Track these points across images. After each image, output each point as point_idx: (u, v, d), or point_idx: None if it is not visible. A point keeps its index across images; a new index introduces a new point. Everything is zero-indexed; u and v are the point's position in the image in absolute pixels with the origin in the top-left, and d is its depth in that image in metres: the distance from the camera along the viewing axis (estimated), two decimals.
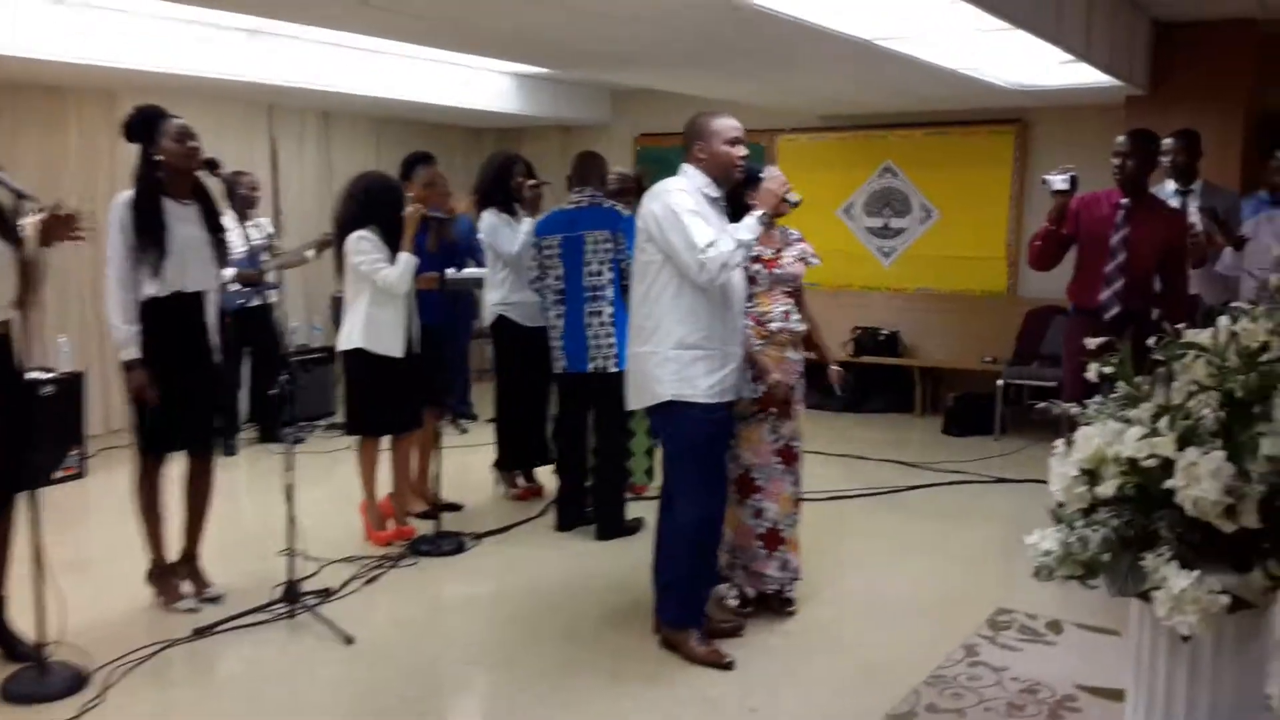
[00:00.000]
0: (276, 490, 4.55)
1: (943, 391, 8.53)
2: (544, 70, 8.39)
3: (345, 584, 4.59)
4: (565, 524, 5.38)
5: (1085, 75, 6.45)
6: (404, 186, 5.41)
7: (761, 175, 3.87)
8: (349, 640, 3.99)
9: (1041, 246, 4.74)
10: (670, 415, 3.74)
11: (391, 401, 5.00)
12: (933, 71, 6.20)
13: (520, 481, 6.08)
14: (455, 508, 5.64)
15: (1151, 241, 4.63)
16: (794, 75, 6.95)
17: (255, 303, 7.14)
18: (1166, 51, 6.91)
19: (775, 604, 4.30)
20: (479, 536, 5.24)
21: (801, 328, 4.26)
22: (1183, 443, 2.03)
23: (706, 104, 8.96)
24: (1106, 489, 2.07)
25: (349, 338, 4.95)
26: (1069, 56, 5.58)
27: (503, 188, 5.74)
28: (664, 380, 3.70)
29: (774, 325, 4.15)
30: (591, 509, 5.35)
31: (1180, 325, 3.29)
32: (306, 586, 4.40)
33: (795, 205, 3.98)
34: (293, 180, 8.45)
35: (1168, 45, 6.91)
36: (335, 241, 5.01)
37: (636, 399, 3.84)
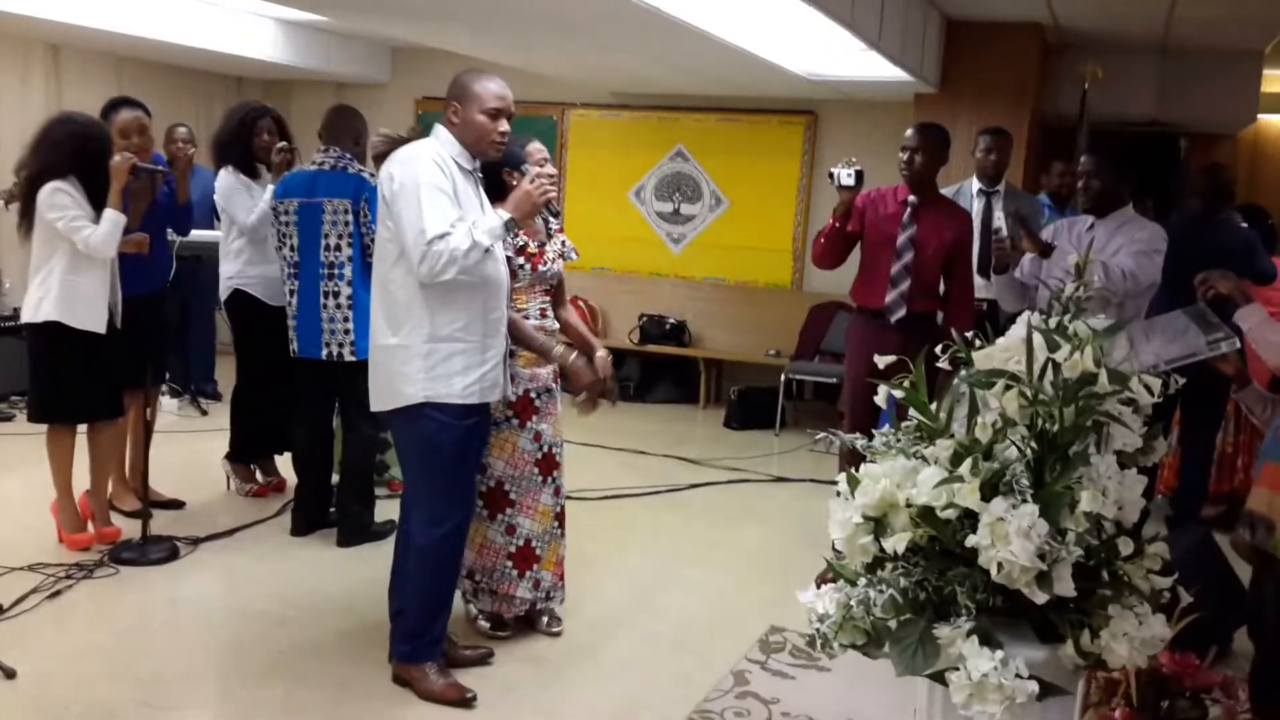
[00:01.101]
0: None
1: (726, 384, 8.31)
2: (315, 18, 7.64)
3: (20, 600, 3.85)
4: (302, 528, 4.76)
5: (877, 68, 6.29)
6: None
7: (524, 167, 3.38)
8: (9, 674, 3.29)
9: (826, 244, 4.45)
10: (415, 418, 3.22)
11: (87, 383, 4.26)
12: (724, 50, 5.86)
13: (259, 476, 5.40)
14: (175, 505, 4.94)
15: (939, 241, 4.41)
16: (582, 44, 6.50)
17: None
18: (957, 50, 6.85)
19: (539, 623, 3.86)
20: (197, 541, 4.56)
21: (554, 326, 3.82)
22: (988, 491, 1.68)
23: (496, 70, 8.54)
24: (896, 542, 1.71)
25: (39, 308, 4.17)
26: (862, 44, 5.34)
27: (244, 144, 5.05)
28: (413, 379, 3.18)
29: (530, 324, 3.69)
30: (334, 510, 4.76)
31: (966, 332, 3.04)
32: None
33: (555, 216, 3.52)
34: (14, 119, 7.36)
35: (958, 44, 6.84)
36: (23, 193, 4.20)
37: (380, 400, 3.30)
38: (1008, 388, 1.74)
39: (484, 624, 3.81)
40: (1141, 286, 4.11)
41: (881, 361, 2.05)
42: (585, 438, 6.83)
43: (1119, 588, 1.68)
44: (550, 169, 3.69)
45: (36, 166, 4.15)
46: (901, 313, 4.40)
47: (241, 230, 4.97)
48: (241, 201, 4.97)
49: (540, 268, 3.69)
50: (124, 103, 4.60)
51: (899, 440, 1.86)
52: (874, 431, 1.95)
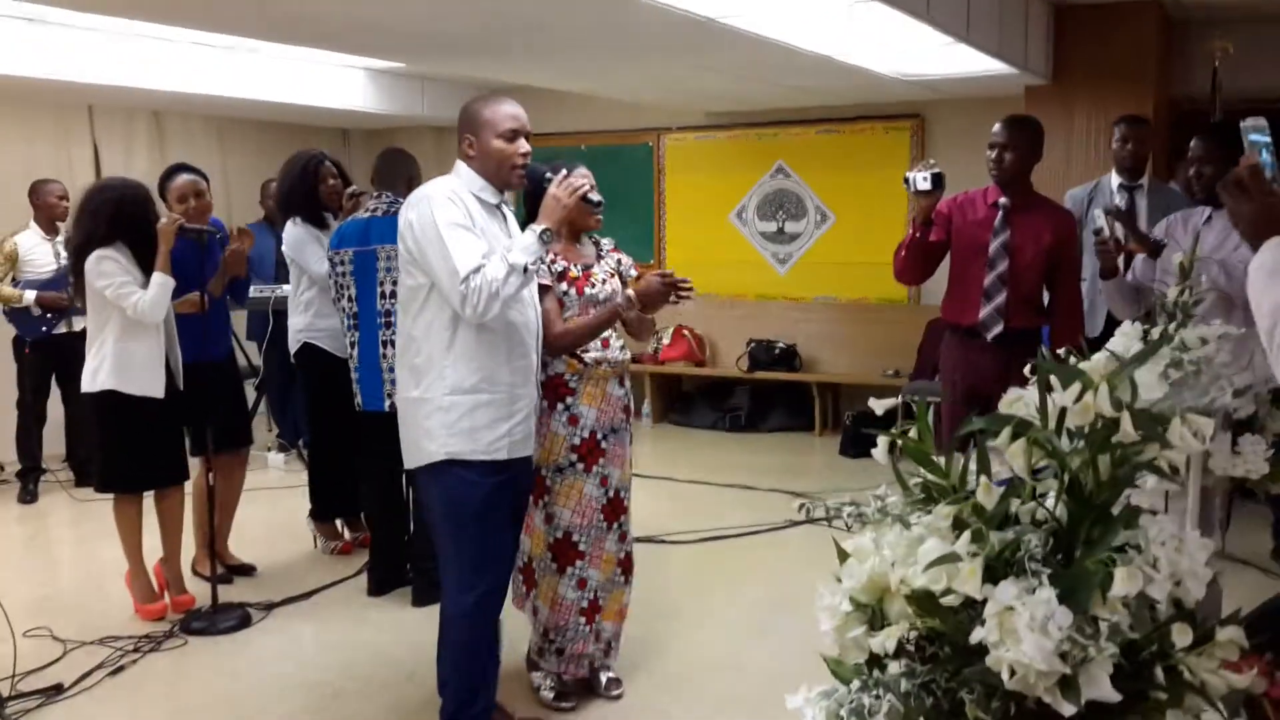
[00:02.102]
0: (70, 548, 3.73)
1: (844, 408, 7.87)
2: (398, 66, 7.62)
3: (84, 676, 3.78)
4: (378, 587, 4.59)
5: (979, 64, 5.85)
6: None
7: (548, 176, 3.13)
8: None
9: (906, 257, 4.05)
10: (439, 476, 3.00)
11: (150, 450, 4.20)
12: (808, 59, 5.54)
13: (346, 533, 5.28)
14: (247, 570, 4.83)
15: (1037, 247, 3.96)
16: (668, 67, 6.28)
17: (62, 330, 6.25)
18: (1068, 37, 6.33)
19: (598, 684, 3.57)
20: (271, 606, 4.44)
21: (624, 357, 3.54)
22: (1001, 570, 1.33)
23: (587, 101, 8.39)
24: (886, 640, 1.36)
25: (94, 377, 4.13)
26: (946, 38, 4.92)
27: (308, 194, 4.95)
28: (435, 434, 2.95)
29: (590, 356, 3.42)
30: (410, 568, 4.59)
31: (1068, 348, 2.66)
32: (38, 679, 3.61)
33: (598, 208, 3.24)
34: None
35: (1069, 30, 6.33)
36: (72, 266, 4.19)
37: (408, 457, 3.09)
38: (1015, 436, 1.37)
39: (548, 694, 3.54)
40: None
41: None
42: (692, 475, 6.56)
43: (1178, 688, 1.30)
44: (597, 195, 3.42)
45: (79, 238, 4.14)
46: (998, 329, 3.96)
47: (314, 280, 4.86)
48: (314, 252, 4.86)
49: (588, 290, 3.42)
50: (180, 169, 4.55)
51: (898, 506, 1.51)
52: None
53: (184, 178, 4.47)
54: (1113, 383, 1.31)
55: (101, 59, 6.41)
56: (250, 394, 7.06)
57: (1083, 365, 2.55)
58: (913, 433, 1.56)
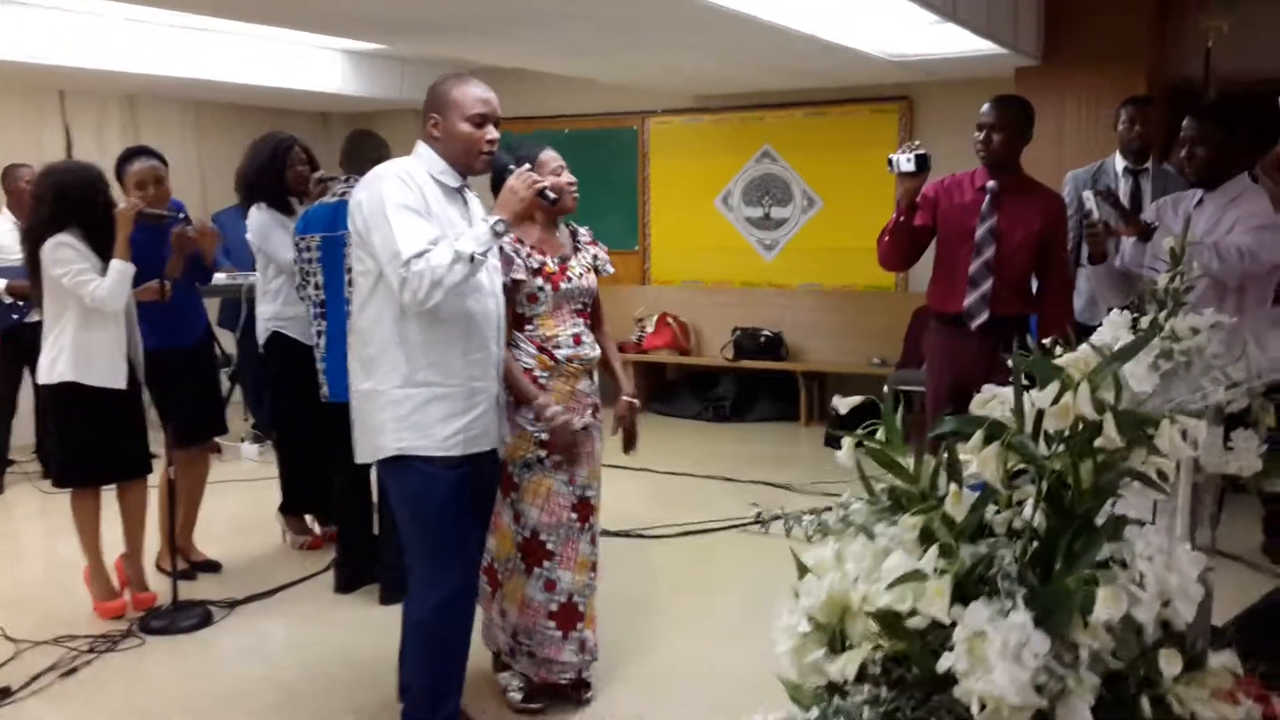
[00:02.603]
0: (32, 542, 3.59)
1: (829, 398, 7.72)
2: (377, 47, 7.45)
3: (33, 679, 3.63)
4: (345, 584, 4.45)
5: (967, 43, 5.71)
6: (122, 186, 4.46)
7: (510, 167, 2.97)
8: None
9: (891, 242, 3.91)
10: (398, 472, 2.86)
11: (110, 443, 4.05)
12: (793, 38, 5.38)
13: (317, 528, 5.14)
14: (212, 567, 4.69)
15: (1026, 231, 3.83)
16: (652, 47, 6.13)
17: (35, 318, 6.07)
18: (1060, 16, 6.19)
19: (569, 690, 3.44)
20: (233, 604, 4.30)
21: (595, 353, 3.40)
22: (972, 588, 1.19)
23: (571, 83, 8.22)
24: (845, 666, 1.22)
25: (52, 368, 3.98)
26: (934, 17, 4.78)
27: (275, 178, 4.79)
28: (386, 428, 2.82)
29: (562, 353, 3.28)
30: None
31: (1054, 338, 2.54)
32: None
33: (553, 203, 3.09)
34: None
35: (1061, 9, 6.19)
36: (27, 253, 4.04)
37: (360, 451, 2.96)
38: (989, 439, 1.23)
39: (515, 695, 3.40)
40: (1264, 266, 3.43)
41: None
42: (672, 465, 6.41)
43: None
44: (568, 177, 3.32)
45: (31, 222, 3.99)
46: (984, 317, 3.82)
47: (281, 268, 4.71)
48: (280, 239, 4.70)
49: (564, 285, 3.28)
50: (139, 152, 4.39)
51: (863, 511, 1.37)
52: None
53: (143, 163, 4.29)
54: (1095, 381, 1.17)
55: (73, 42, 6.25)
56: (225, 383, 6.96)
57: (1065, 359, 2.42)
58: (880, 432, 1.42)
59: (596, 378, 3.45)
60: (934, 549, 1.20)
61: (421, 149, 2.90)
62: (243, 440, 6.92)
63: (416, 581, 2.90)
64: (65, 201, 3.91)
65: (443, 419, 2.81)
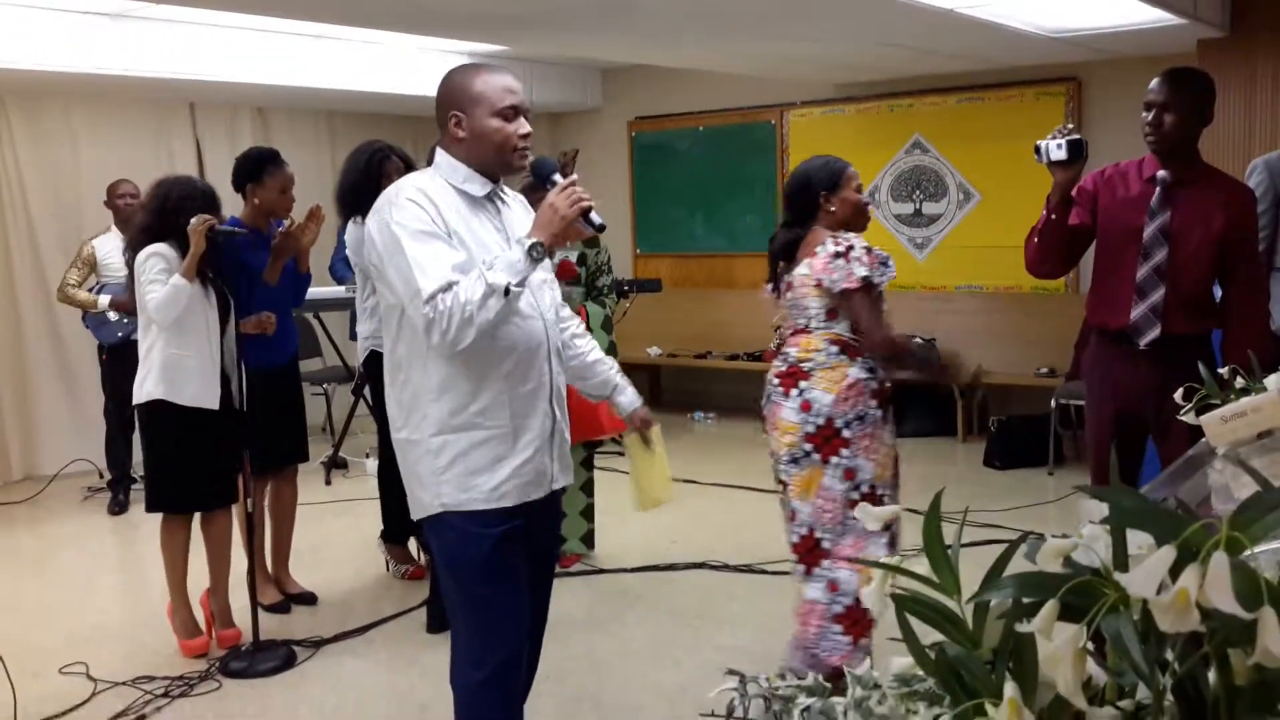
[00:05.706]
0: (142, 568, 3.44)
1: (992, 411, 7.06)
2: (503, 48, 7.19)
3: None
4: (436, 623, 4.14)
5: (1141, 14, 5.04)
6: (251, 191, 4.31)
7: (554, 177, 2.54)
8: None
9: (1040, 244, 3.33)
10: (438, 530, 2.49)
11: (201, 467, 3.88)
12: (943, 17, 4.84)
13: (423, 557, 4.87)
14: (307, 599, 4.46)
15: (1206, 232, 3.17)
16: (795, 36, 5.67)
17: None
18: None
19: None
20: (319, 643, 4.05)
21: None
22: None
23: (705, 78, 7.77)
24: None
25: (142, 386, 3.84)
26: None
27: (372, 191, 4.47)
28: (426, 482, 2.44)
29: None
30: None
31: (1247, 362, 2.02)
32: None
33: (599, 230, 2.65)
34: (226, 184, 7.38)
35: None
36: (127, 263, 3.95)
37: (411, 507, 2.58)
38: (1067, 613, 0.74)
39: None
40: None
41: None
42: None
43: None
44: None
45: (131, 233, 3.99)
46: (1154, 334, 3.19)
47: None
48: None
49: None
50: (270, 157, 4.34)
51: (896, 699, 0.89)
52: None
53: (288, 170, 4.27)
54: (1243, 540, 0.67)
55: (200, 54, 6.22)
56: (349, 399, 6.82)
57: (1247, 402, 1.83)
58: (919, 564, 0.92)
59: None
60: None
61: (440, 158, 2.50)
62: (367, 455, 6.75)
63: (459, 653, 2.53)
64: (163, 212, 3.80)
65: (488, 466, 2.42)
